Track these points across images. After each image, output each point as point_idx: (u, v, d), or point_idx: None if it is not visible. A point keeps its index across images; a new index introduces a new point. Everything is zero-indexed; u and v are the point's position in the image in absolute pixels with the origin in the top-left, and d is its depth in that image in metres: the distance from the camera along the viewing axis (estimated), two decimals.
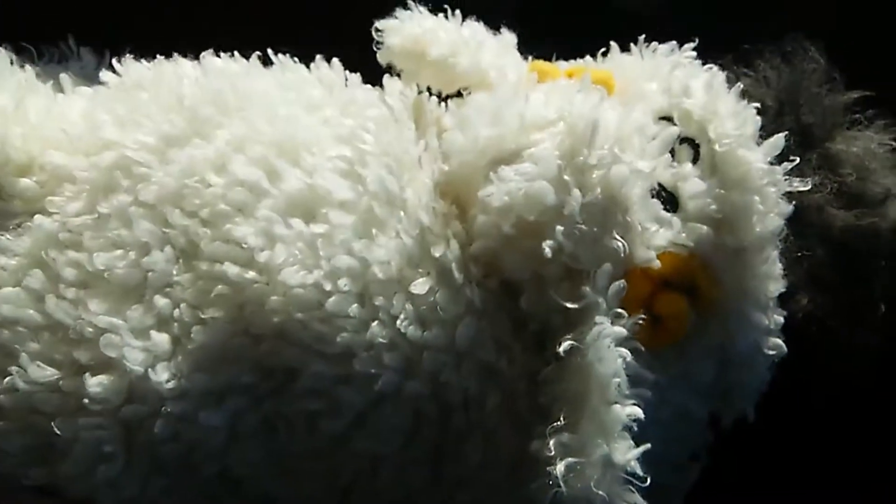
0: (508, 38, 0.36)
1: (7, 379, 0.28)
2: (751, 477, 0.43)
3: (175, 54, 0.36)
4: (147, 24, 0.46)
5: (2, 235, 0.30)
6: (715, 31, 0.45)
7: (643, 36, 0.37)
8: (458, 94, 0.37)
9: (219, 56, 0.35)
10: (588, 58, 0.38)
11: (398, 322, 0.29)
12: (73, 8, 0.45)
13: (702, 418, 0.33)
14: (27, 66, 0.34)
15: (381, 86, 0.36)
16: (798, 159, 0.31)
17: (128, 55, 0.36)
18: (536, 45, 0.38)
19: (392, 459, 0.31)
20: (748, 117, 0.31)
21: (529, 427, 0.30)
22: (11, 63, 0.33)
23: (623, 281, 0.28)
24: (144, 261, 0.29)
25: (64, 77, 0.35)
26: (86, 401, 0.28)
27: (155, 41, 0.38)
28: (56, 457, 0.28)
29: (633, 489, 0.27)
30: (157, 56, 0.37)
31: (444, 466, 0.31)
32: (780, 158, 0.32)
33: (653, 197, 0.30)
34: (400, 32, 0.35)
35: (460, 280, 0.30)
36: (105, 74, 0.35)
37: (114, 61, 0.36)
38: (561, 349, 0.28)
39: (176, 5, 0.47)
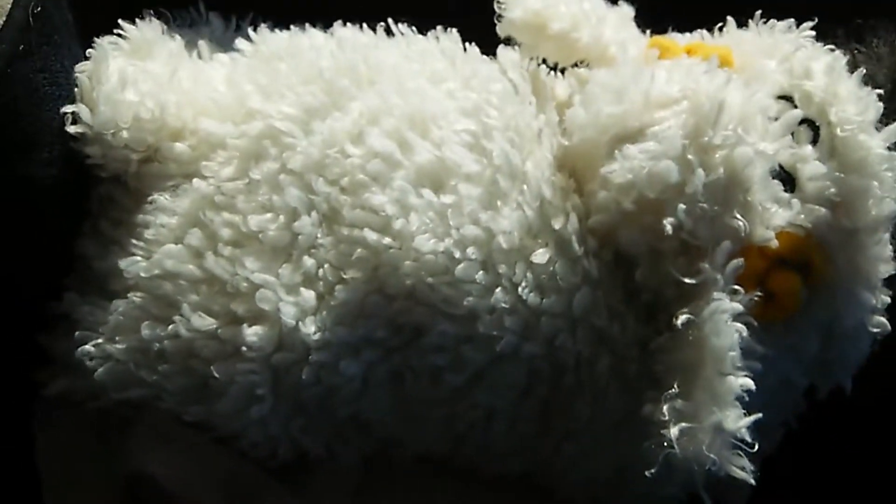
0: (627, 10, 0.37)
1: (171, 326, 0.31)
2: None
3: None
4: None
5: (161, 195, 0.33)
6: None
7: (759, 11, 0.37)
8: (574, 66, 0.38)
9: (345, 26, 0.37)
10: (704, 31, 0.38)
11: (519, 289, 0.31)
12: None
13: (801, 388, 0.35)
14: (177, 36, 0.36)
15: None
16: None
17: (262, 24, 0.39)
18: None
19: (505, 412, 0.33)
20: (870, 103, 0.31)
21: (637, 390, 0.32)
22: (163, 32, 0.36)
23: (741, 259, 0.29)
24: (295, 225, 0.31)
25: (202, 44, 0.38)
26: (243, 348, 0.31)
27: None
28: (212, 397, 0.32)
29: (740, 453, 0.29)
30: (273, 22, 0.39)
31: (552, 420, 0.34)
32: None
33: (773, 178, 0.31)
34: (522, 5, 0.35)
35: (578, 251, 0.32)
36: (241, 42, 0.37)
37: (249, 30, 0.38)
38: (678, 322, 0.29)
39: None
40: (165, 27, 0.36)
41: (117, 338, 0.32)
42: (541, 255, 0.31)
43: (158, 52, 0.35)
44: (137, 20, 0.36)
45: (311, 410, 0.33)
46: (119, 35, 0.35)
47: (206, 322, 0.31)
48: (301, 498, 0.34)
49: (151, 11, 0.37)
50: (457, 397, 0.33)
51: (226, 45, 0.39)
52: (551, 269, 0.31)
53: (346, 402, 0.33)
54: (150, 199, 0.33)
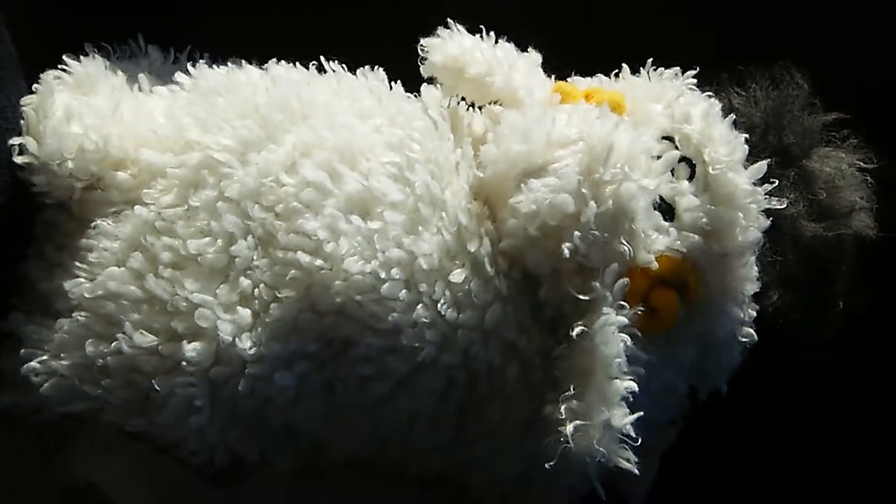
0: (535, 57, 0.41)
1: (114, 344, 0.34)
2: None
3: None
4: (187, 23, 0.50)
5: (103, 221, 0.35)
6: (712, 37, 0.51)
7: (650, 60, 0.42)
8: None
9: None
10: (602, 76, 0.43)
11: (438, 305, 0.35)
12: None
13: (683, 391, 0.40)
14: (119, 71, 0.38)
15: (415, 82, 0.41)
16: (777, 182, 0.37)
17: (200, 59, 0.41)
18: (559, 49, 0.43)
19: (426, 416, 0.37)
20: (738, 145, 0.36)
21: (541, 394, 0.36)
22: (105, 67, 0.38)
23: (626, 278, 0.34)
24: (232, 248, 0.34)
25: (142, 77, 0.40)
26: (183, 363, 0.33)
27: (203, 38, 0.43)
28: (153, 408, 0.34)
29: (626, 447, 0.33)
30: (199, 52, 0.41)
31: (467, 423, 0.37)
32: (764, 177, 0.37)
33: (654, 209, 0.35)
34: (442, 50, 0.39)
35: (490, 272, 0.35)
36: (181, 76, 0.40)
37: (189, 66, 0.40)
38: (574, 333, 0.33)
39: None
40: (107, 62, 0.39)
41: (62, 354, 0.34)
42: (458, 275, 0.35)
43: (101, 86, 0.37)
44: (81, 57, 0.38)
45: (246, 420, 0.35)
46: (63, 70, 0.37)
47: (147, 339, 0.34)
48: (235, 502, 0.37)
49: (94, 46, 0.40)
50: (382, 404, 0.36)
51: (164, 77, 0.41)
52: (467, 287, 0.35)
53: (280, 412, 0.35)
54: (93, 224, 0.35)
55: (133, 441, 0.35)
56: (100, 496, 0.34)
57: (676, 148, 0.37)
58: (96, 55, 0.39)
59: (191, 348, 0.33)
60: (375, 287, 0.34)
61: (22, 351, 0.34)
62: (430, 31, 0.40)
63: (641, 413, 0.33)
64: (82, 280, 0.34)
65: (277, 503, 0.38)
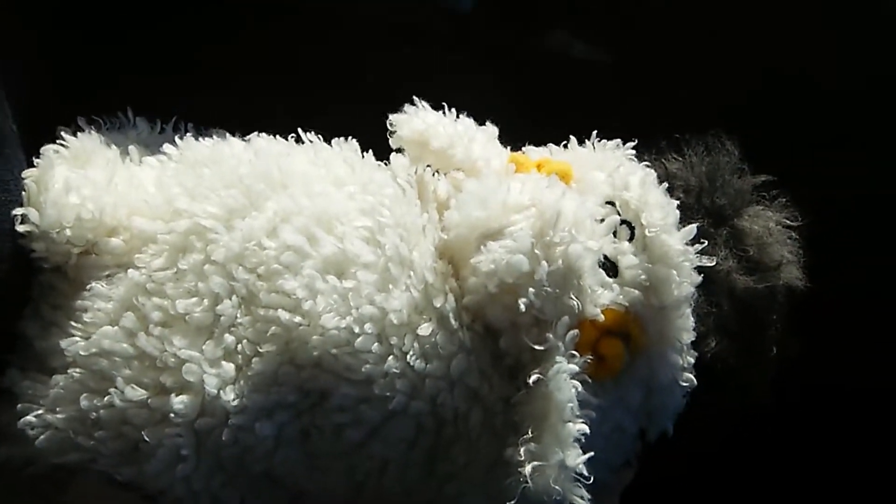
0: (492, 130, 0.46)
1: (106, 398, 0.36)
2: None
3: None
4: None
5: (98, 283, 0.38)
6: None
7: (595, 132, 0.47)
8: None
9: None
10: (552, 146, 0.48)
11: (408, 356, 0.38)
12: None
13: (633, 432, 0.43)
14: (112, 145, 0.42)
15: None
16: (708, 241, 0.42)
17: (187, 132, 0.45)
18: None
19: (397, 460, 0.39)
20: (671, 210, 0.41)
21: (504, 438, 0.39)
22: (100, 142, 0.41)
23: (576, 330, 0.38)
24: (217, 308, 0.37)
25: (132, 149, 0.43)
26: (171, 415, 0.36)
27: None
28: (142, 458, 0.36)
29: (580, 485, 0.36)
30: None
31: (436, 465, 0.40)
32: (697, 237, 0.42)
33: (599, 266, 0.40)
34: (408, 125, 0.43)
35: (455, 325, 0.39)
36: (168, 148, 0.43)
37: (176, 137, 0.44)
38: (530, 380, 0.37)
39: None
40: (101, 136, 0.42)
41: (57, 409, 0.36)
42: (425, 329, 0.38)
43: (97, 159, 0.40)
44: (78, 132, 0.41)
45: (229, 467, 0.38)
46: (61, 144, 0.40)
47: (138, 393, 0.36)
48: None
49: (86, 120, 0.43)
50: (356, 450, 0.39)
51: (152, 146, 0.45)
52: (434, 339, 0.38)
53: (261, 459, 0.38)
54: (87, 286, 0.38)
55: (123, 490, 0.37)
56: None
57: (618, 212, 0.42)
58: (91, 130, 0.42)
59: (178, 401, 0.36)
60: (350, 341, 0.37)
61: (18, 406, 0.36)
62: (398, 108, 0.45)
63: (593, 453, 0.36)
64: (77, 338, 0.37)
65: None
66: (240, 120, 0.46)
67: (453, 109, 0.45)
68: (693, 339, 0.42)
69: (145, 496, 0.37)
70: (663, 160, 0.49)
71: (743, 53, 0.57)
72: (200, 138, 0.44)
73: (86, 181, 0.39)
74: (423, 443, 0.39)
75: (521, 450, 0.36)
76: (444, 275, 0.40)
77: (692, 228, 0.41)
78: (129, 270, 0.38)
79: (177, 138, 0.44)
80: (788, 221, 0.48)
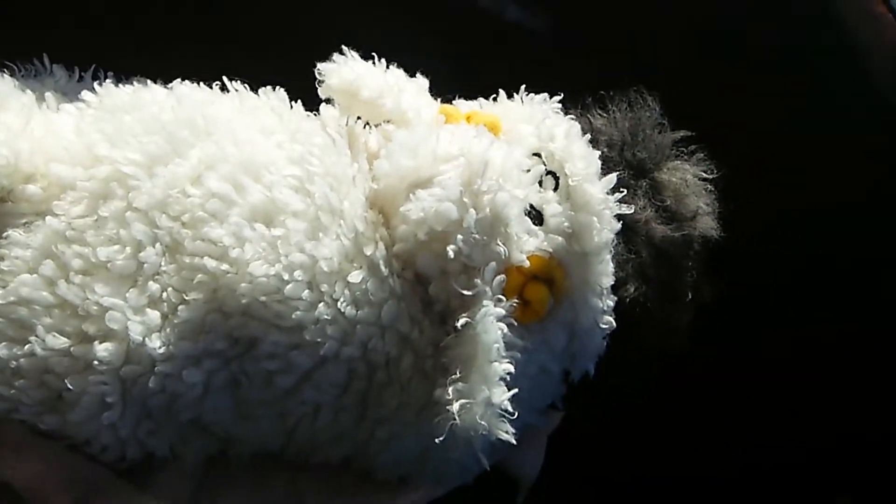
0: (423, 82, 0.46)
1: (27, 346, 0.35)
2: None
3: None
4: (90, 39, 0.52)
5: (15, 231, 0.37)
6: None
7: (524, 86, 0.48)
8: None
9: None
10: (482, 100, 0.49)
11: (339, 303, 0.38)
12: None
13: (558, 374, 0.45)
14: (28, 90, 0.40)
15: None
16: (627, 189, 0.43)
17: (105, 78, 0.43)
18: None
19: (329, 406, 0.40)
20: (593, 160, 0.42)
21: (433, 380, 0.40)
22: (14, 86, 0.40)
23: (503, 275, 0.39)
24: (140, 255, 0.37)
25: (49, 95, 0.42)
26: (95, 363, 0.35)
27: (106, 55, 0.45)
28: (66, 407, 0.36)
29: (506, 422, 0.38)
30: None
31: (368, 410, 0.41)
32: (618, 187, 0.44)
33: (525, 215, 0.41)
34: (337, 74, 0.43)
35: (385, 272, 0.40)
36: (86, 94, 0.42)
37: (95, 84, 0.42)
38: (458, 324, 0.38)
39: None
40: (15, 81, 0.40)
41: None
42: (356, 276, 0.39)
43: (11, 104, 0.39)
44: None
45: (156, 415, 0.38)
46: None
47: (59, 341, 0.35)
48: (146, 494, 0.39)
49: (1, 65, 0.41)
50: (287, 396, 0.39)
51: (70, 95, 0.43)
52: (364, 287, 0.39)
53: (189, 407, 0.38)
54: (4, 234, 0.37)
55: (46, 440, 0.36)
56: (13, 496, 0.35)
57: (543, 163, 0.43)
58: (4, 74, 0.40)
59: (102, 348, 0.35)
60: (279, 288, 0.37)
61: None
62: (326, 57, 0.44)
63: (517, 390, 0.37)
64: None
65: (187, 495, 0.41)
66: (164, 76, 0.45)
67: (383, 60, 0.45)
68: (613, 283, 0.44)
69: (70, 447, 0.37)
70: (588, 115, 0.51)
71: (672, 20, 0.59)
72: (120, 86, 0.43)
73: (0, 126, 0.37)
74: (355, 387, 0.40)
75: (450, 389, 0.37)
76: (374, 224, 0.41)
77: (612, 178, 0.42)
78: (48, 218, 0.37)
79: (96, 85, 0.42)
80: (705, 174, 0.51)
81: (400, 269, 0.41)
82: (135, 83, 0.43)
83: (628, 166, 0.47)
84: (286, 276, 0.37)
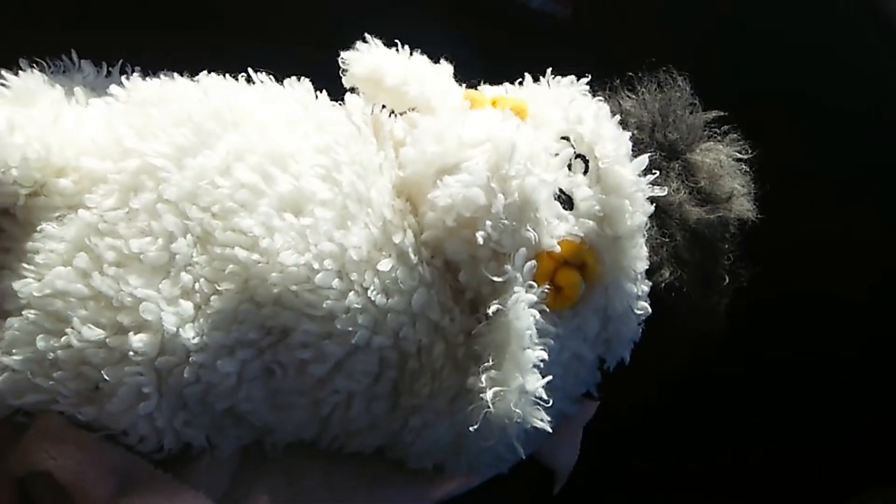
0: (447, 68, 0.46)
1: (63, 338, 0.36)
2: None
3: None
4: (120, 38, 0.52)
5: (48, 225, 0.37)
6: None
7: (549, 69, 0.47)
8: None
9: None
10: (507, 85, 0.48)
11: (369, 292, 0.38)
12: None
13: (592, 360, 0.44)
14: (57, 84, 0.40)
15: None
16: (659, 171, 0.42)
17: (133, 72, 0.44)
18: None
19: (362, 394, 0.40)
20: (623, 141, 0.41)
21: (465, 368, 0.40)
22: (43, 82, 0.40)
23: (534, 261, 0.38)
24: (172, 246, 0.37)
25: (78, 90, 0.42)
26: (130, 353, 0.36)
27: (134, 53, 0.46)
28: (103, 397, 0.36)
29: (540, 409, 0.37)
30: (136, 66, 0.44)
31: (400, 398, 0.41)
32: (650, 169, 0.43)
33: (555, 199, 0.40)
34: (361, 63, 0.43)
35: (415, 260, 0.39)
36: (114, 89, 0.42)
37: (123, 79, 0.43)
38: (490, 311, 0.38)
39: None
40: (44, 76, 0.41)
41: (14, 351, 0.35)
42: (385, 264, 0.39)
43: (41, 99, 0.39)
44: (20, 72, 0.40)
45: (192, 405, 0.38)
46: (2, 84, 0.39)
47: (95, 333, 0.36)
48: (183, 484, 0.39)
49: (28, 62, 0.42)
50: (320, 385, 0.39)
51: (99, 90, 0.43)
52: (394, 275, 0.39)
53: (224, 397, 0.38)
54: (38, 228, 0.37)
55: (84, 431, 0.37)
56: (54, 486, 0.36)
57: (572, 146, 0.42)
58: (34, 71, 0.40)
59: (137, 339, 0.36)
60: (310, 278, 0.37)
61: None
62: (349, 47, 0.44)
63: (552, 377, 0.37)
64: (30, 280, 0.36)
65: (223, 486, 0.41)
66: (190, 70, 0.45)
67: (406, 47, 0.45)
68: (647, 268, 0.43)
69: (108, 437, 0.37)
70: (617, 97, 0.50)
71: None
72: (147, 79, 0.43)
73: (30, 121, 0.37)
74: (388, 376, 0.40)
75: (483, 377, 0.37)
76: (402, 212, 0.41)
77: (644, 159, 0.41)
78: (80, 211, 0.37)
79: (123, 79, 0.43)
80: (739, 155, 0.49)
81: (429, 256, 0.40)
82: (162, 77, 0.43)
83: (660, 148, 0.46)
84: (316, 266, 0.37)
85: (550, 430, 0.37)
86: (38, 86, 0.40)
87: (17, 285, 0.36)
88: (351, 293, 0.38)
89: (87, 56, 0.45)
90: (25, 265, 0.36)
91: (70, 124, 0.39)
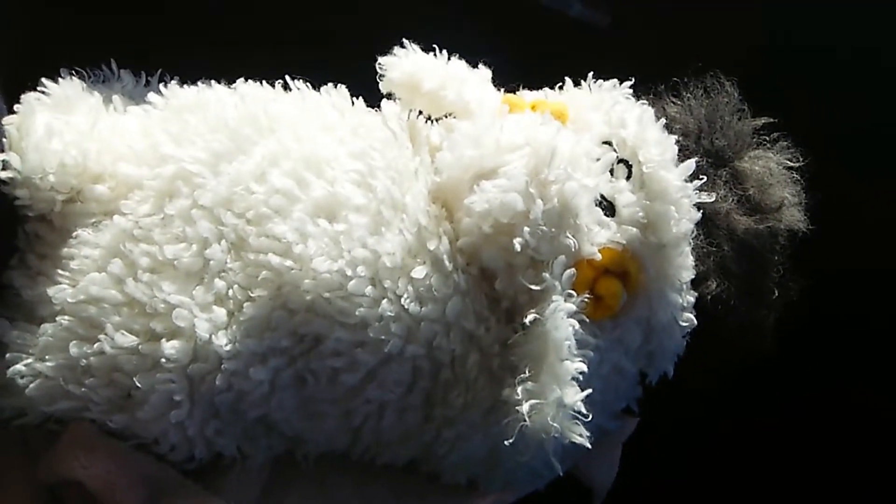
0: (485, 72, 0.45)
1: (96, 345, 0.35)
2: None
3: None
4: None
5: (84, 231, 0.37)
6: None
7: (591, 73, 0.46)
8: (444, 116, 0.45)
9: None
10: (547, 89, 0.47)
11: (402, 300, 0.37)
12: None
13: (633, 374, 0.43)
14: (95, 92, 0.41)
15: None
16: (706, 178, 0.41)
17: (172, 81, 0.44)
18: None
19: (395, 405, 0.39)
20: (668, 146, 0.40)
21: (501, 379, 0.38)
22: (82, 90, 0.40)
23: (573, 269, 0.37)
24: (206, 252, 0.36)
25: (116, 98, 0.43)
26: (162, 361, 0.35)
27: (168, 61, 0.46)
28: (135, 405, 0.36)
29: (579, 424, 0.36)
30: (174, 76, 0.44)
31: (434, 409, 0.40)
32: (697, 176, 0.41)
33: (596, 205, 0.39)
34: (398, 68, 0.43)
35: (449, 267, 0.38)
36: (153, 97, 0.42)
37: (161, 86, 0.43)
38: (527, 320, 0.36)
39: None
40: (83, 84, 0.41)
41: (46, 357, 0.35)
42: (419, 271, 0.38)
43: (79, 106, 0.40)
44: (59, 79, 0.40)
45: (224, 413, 0.37)
46: (42, 92, 0.39)
47: (128, 339, 0.36)
48: (214, 495, 0.38)
49: (69, 72, 0.42)
50: (352, 395, 0.38)
51: (137, 98, 0.44)
52: (428, 282, 0.38)
53: (256, 405, 0.38)
54: (74, 234, 0.37)
55: (115, 439, 0.37)
56: (84, 494, 0.36)
57: (614, 151, 0.41)
58: (74, 78, 0.41)
59: (170, 346, 0.35)
60: (343, 284, 0.37)
61: (7, 355, 0.36)
62: (386, 51, 0.44)
63: (591, 390, 0.35)
64: (65, 286, 0.36)
65: (254, 497, 0.40)
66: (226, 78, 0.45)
67: (444, 52, 0.44)
68: (693, 279, 0.41)
69: (139, 446, 0.37)
70: (661, 103, 0.48)
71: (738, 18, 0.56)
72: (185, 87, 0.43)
73: (68, 127, 0.38)
74: (421, 386, 0.39)
75: (519, 389, 0.35)
76: (437, 218, 0.40)
77: (691, 164, 0.40)
78: (115, 217, 0.37)
79: (161, 87, 0.43)
80: (790, 163, 0.47)
81: (464, 264, 0.39)
82: (199, 84, 0.43)
83: (706, 155, 0.44)
84: (349, 272, 0.37)
85: (589, 446, 0.35)
86: (77, 93, 0.40)
87: (51, 291, 0.36)
88: (384, 301, 0.37)
89: (125, 66, 0.46)
90: (60, 271, 0.36)
91: (107, 131, 0.39)
